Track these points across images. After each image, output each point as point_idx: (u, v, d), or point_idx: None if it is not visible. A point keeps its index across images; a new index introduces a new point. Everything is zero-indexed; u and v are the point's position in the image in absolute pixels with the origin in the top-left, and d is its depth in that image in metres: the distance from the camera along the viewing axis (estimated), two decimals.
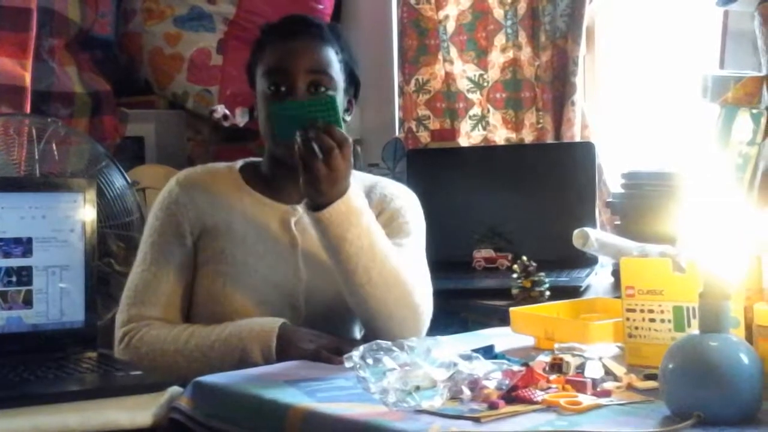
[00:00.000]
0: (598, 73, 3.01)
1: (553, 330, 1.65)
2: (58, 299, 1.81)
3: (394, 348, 1.36)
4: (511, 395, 1.32)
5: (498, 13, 3.06)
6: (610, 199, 2.60)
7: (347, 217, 1.67)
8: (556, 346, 1.51)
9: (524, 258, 2.23)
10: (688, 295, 1.46)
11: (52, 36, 2.93)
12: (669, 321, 1.50)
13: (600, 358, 1.44)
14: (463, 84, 3.13)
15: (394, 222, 1.89)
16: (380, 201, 1.91)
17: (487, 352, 1.53)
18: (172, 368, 1.72)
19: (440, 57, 3.17)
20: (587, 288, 2.33)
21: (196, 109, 3.22)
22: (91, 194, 1.86)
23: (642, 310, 1.52)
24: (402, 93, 3.25)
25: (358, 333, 1.90)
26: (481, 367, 1.35)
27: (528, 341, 1.70)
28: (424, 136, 3.20)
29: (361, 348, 1.36)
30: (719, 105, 2.31)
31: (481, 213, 2.73)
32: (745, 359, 1.22)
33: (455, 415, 1.27)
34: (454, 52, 3.14)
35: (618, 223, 2.53)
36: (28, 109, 2.60)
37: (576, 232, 2.24)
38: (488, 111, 3.10)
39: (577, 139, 2.86)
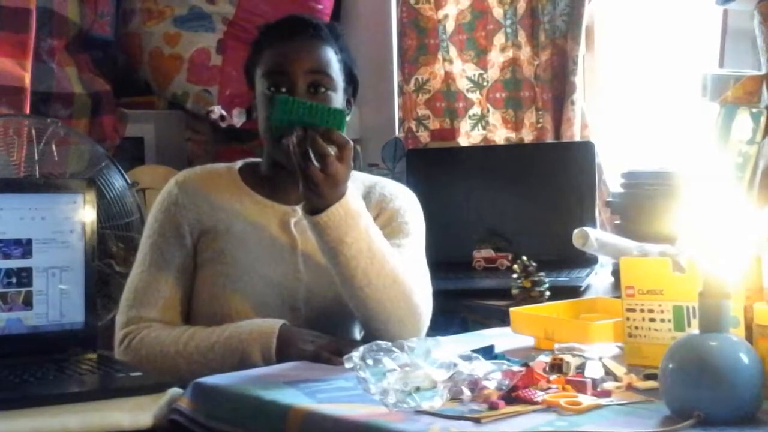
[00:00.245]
0: (598, 73, 3.01)
1: (553, 330, 1.65)
2: (58, 300, 1.81)
3: (394, 349, 1.36)
4: (511, 396, 1.31)
5: (497, 12, 3.06)
6: (609, 199, 2.60)
7: (345, 220, 1.67)
8: (556, 346, 1.51)
9: (524, 258, 2.23)
10: (688, 295, 1.46)
11: (51, 36, 2.93)
12: (669, 321, 1.50)
13: (600, 358, 1.44)
14: (462, 83, 3.14)
15: (393, 222, 1.89)
16: (380, 201, 1.91)
17: (487, 352, 1.53)
18: (173, 370, 1.72)
19: (440, 56, 3.17)
20: (587, 288, 2.33)
21: (195, 109, 3.22)
22: (91, 195, 1.86)
23: (642, 310, 1.52)
24: (401, 93, 3.25)
25: (357, 334, 1.90)
26: (481, 367, 1.35)
27: (528, 341, 1.70)
28: (424, 136, 3.20)
29: (361, 349, 1.36)
30: (719, 104, 2.31)
31: (481, 213, 2.73)
32: (745, 359, 1.22)
33: (455, 415, 1.27)
34: (453, 51, 3.14)
35: (618, 222, 2.53)
36: (27, 109, 2.60)
37: (576, 231, 2.24)
38: (488, 110, 3.10)
39: (577, 138, 2.86)
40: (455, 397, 1.32)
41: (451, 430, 1.21)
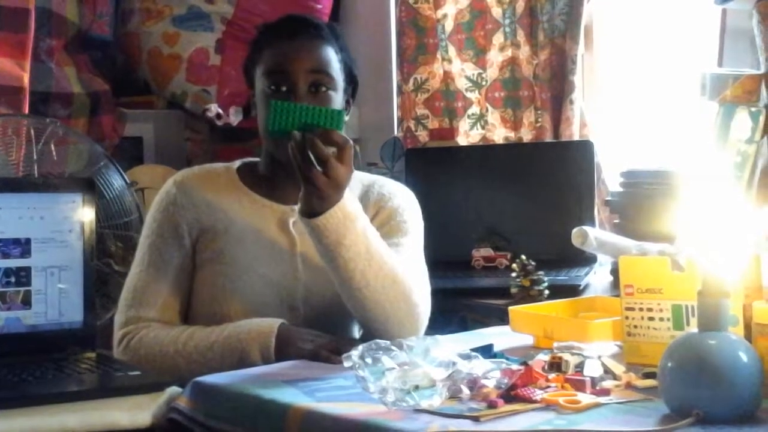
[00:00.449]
0: (597, 72, 3.01)
1: (552, 329, 1.65)
2: (56, 300, 1.80)
3: (393, 347, 1.36)
4: (510, 394, 1.31)
5: (496, 11, 3.06)
6: (608, 198, 2.61)
7: (343, 222, 1.66)
8: (555, 344, 1.51)
9: (523, 257, 2.23)
10: (687, 294, 1.46)
11: (50, 36, 2.93)
12: (668, 319, 1.50)
13: (599, 357, 1.44)
14: (461, 83, 3.14)
15: (392, 221, 1.89)
16: (378, 200, 1.91)
17: (486, 351, 1.53)
18: (172, 370, 1.72)
19: (439, 56, 3.17)
20: (586, 287, 2.33)
21: (194, 109, 3.22)
22: (90, 194, 1.86)
23: (641, 309, 1.52)
24: (400, 92, 3.25)
25: (356, 333, 1.90)
26: (480, 366, 1.35)
27: (527, 340, 1.70)
28: (423, 135, 3.20)
29: (360, 347, 1.36)
30: (718, 103, 2.31)
31: (480, 212, 2.73)
32: (744, 357, 1.22)
33: (454, 414, 1.27)
34: (452, 51, 3.14)
35: (617, 221, 2.53)
36: (26, 109, 2.60)
37: (575, 230, 2.24)
38: (487, 110, 3.10)
39: (576, 137, 2.86)
40: (454, 395, 1.32)
41: (450, 429, 1.21)
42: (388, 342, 1.37)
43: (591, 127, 2.90)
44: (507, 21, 3.04)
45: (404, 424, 1.24)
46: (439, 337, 1.42)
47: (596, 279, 2.44)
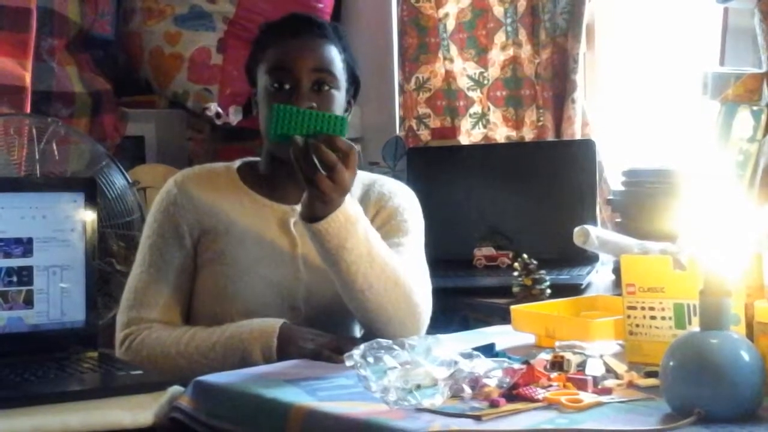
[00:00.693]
0: (599, 71, 3.01)
1: (554, 328, 1.64)
2: (58, 299, 1.81)
3: (395, 346, 1.36)
4: (512, 393, 1.31)
5: (498, 10, 3.06)
6: (610, 197, 2.61)
7: (345, 226, 1.66)
8: (557, 343, 1.51)
9: (525, 256, 2.23)
10: (688, 293, 1.46)
11: (52, 36, 2.93)
12: (670, 318, 1.50)
13: (601, 356, 1.44)
14: (463, 82, 3.14)
15: (392, 220, 1.89)
16: (378, 199, 1.91)
17: (488, 350, 1.53)
18: (174, 370, 1.71)
19: (440, 55, 3.17)
20: (588, 286, 2.33)
21: (196, 108, 3.22)
22: (92, 194, 1.86)
23: (643, 308, 1.52)
24: (402, 91, 3.25)
25: (357, 332, 1.90)
26: (481, 365, 1.35)
27: (529, 339, 1.70)
28: (425, 135, 3.20)
29: (362, 346, 1.36)
30: (719, 102, 2.31)
31: (482, 211, 2.73)
32: (745, 356, 1.22)
33: (456, 413, 1.27)
34: (454, 50, 3.14)
35: (618, 220, 2.53)
36: (28, 109, 2.60)
37: (577, 229, 2.24)
38: (488, 109, 3.10)
39: (578, 136, 2.86)
40: (456, 394, 1.32)
41: (452, 428, 1.21)
42: (390, 341, 1.37)
43: (593, 126, 2.89)
44: (509, 20, 3.04)
45: (406, 423, 1.24)
46: (440, 336, 1.42)
47: (598, 278, 2.44)
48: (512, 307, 1.76)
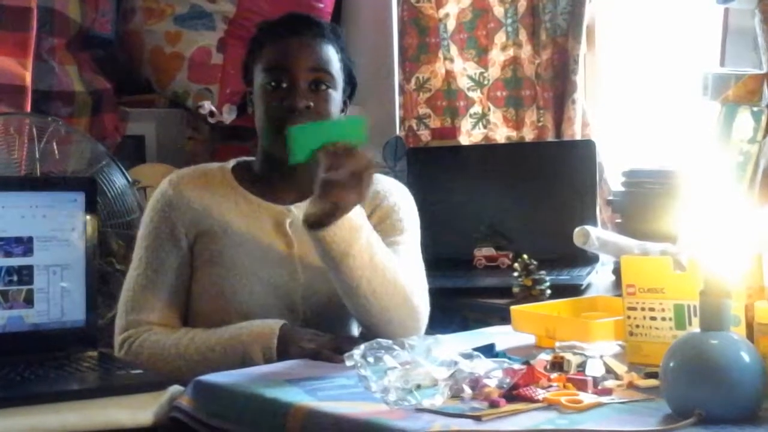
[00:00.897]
0: (599, 71, 3.01)
1: (554, 328, 1.64)
2: (59, 298, 1.81)
3: (395, 346, 1.36)
4: (512, 394, 1.31)
5: (498, 11, 3.06)
6: (610, 197, 2.61)
7: (350, 233, 1.66)
8: (557, 344, 1.51)
9: (525, 256, 2.23)
10: (689, 293, 1.46)
11: (52, 35, 2.93)
12: (670, 319, 1.50)
13: (601, 357, 1.44)
14: (463, 82, 3.13)
15: (388, 219, 1.88)
16: (373, 198, 1.90)
17: (488, 350, 1.53)
18: (174, 373, 1.71)
19: (441, 55, 3.17)
20: (588, 286, 2.34)
21: (196, 108, 3.22)
22: (92, 193, 1.86)
23: (643, 309, 1.52)
24: (402, 91, 3.25)
25: (356, 331, 1.90)
26: (481, 365, 1.35)
27: (529, 339, 1.70)
28: (425, 135, 3.20)
29: (362, 347, 1.36)
30: (720, 103, 2.31)
31: (482, 211, 2.73)
32: (746, 357, 1.22)
33: (456, 413, 1.27)
34: (454, 50, 3.14)
35: (619, 221, 2.53)
36: (28, 108, 2.60)
37: (577, 230, 2.24)
38: (489, 109, 3.10)
39: (578, 137, 2.86)
40: (456, 395, 1.32)
41: (452, 428, 1.21)
42: (390, 341, 1.37)
43: (593, 126, 2.89)
44: (509, 20, 3.04)
45: (406, 423, 1.24)
46: (440, 336, 1.42)
47: (598, 278, 2.44)
48: (512, 307, 1.76)
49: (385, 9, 3.39)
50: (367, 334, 1.77)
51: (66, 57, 2.99)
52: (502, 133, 3.08)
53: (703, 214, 1.54)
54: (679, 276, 1.49)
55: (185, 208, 1.86)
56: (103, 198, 2.44)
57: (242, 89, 2.97)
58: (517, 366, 1.38)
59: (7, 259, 1.77)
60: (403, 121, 3.25)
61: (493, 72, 3.09)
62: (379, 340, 1.37)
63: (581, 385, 1.35)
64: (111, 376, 1.67)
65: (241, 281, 1.82)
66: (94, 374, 1.68)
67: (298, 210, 1.85)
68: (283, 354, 1.67)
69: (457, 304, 2.34)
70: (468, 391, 1.32)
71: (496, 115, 3.09)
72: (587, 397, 1.31)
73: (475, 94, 3.12)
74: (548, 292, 2.18)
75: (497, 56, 3.08)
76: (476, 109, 3.12)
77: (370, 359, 1.34)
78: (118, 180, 2.53)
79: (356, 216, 1.68)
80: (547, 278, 2.20)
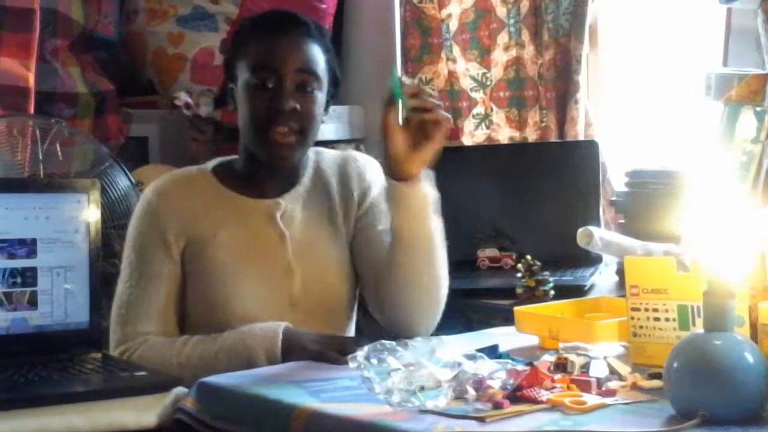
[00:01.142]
0: (602, 71, 3.01)
1: (558, 329, 1.64)
2: (62, 300, 1.81)
3: (399, 348, 1.36)
4: (516, 395, 1.31)
5: (501, 11, 3.06)
6: (614, 198, 2.60)
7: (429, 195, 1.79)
8: (561, 345, 1.51)
9: (528, 257, 2.23)
10: (692, 294, 1.46)
11: (55, 36, 2.93)
12: (673, 320, 1.50)
13: (605, 358, 1.44)
14: (466, 83, 3.13)
15: (381, 204, 1.90)
16: (359, 179, 1.93)
17: (492, 351, 1.53)
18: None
19: (443, 56, 3.17)
20: (591, 287, 2.33)
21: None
22: (95, 195, 1.86)
23: (646, 309, 1.52)
24: None
25: (353, 318, 1.92)
26: (485, 366, 1.35)
27: (532, 341, 1.70)
28: None
29: (366, 348, 1.36)
30: (723, 103, 2.31)
31: (485, 212, 2.73)
32: (749, 358, 1.22)
33: (460, 414, 1.27)
34: (457, 50, 3.14)
35: (622, 221, 2.53)
36: (31, 109, 2.60)
37: (580, 231, 2.24)
38: (491, 110, 3.10)
39: (581, 137, 2.86)
40: (460, 396, 1.32)
41: (456, 430, 1.21)
42: (394, 343, 1.37)
43: (596, 126, 2.89)
44: (511, 21, 3.03)
45: (409, 424, 1.24)
46: (444, 337, 1.43)
47: (601, 279, 2.44)
48: (516, 308, 1.76)
49: (387, 9, 3.38)
50: (387, 323, 1.83)
51: (69, 58, 2.99)
52: (504, 134, 3.08)
53: (706, 214, 1.54)
54: (682, 277, 1.49)
55: (173, 216, 1.83)
56: (107, 199, 2.44)
57: None
58: (520, 367, 1.38)
59: (10, 261, 1.77)
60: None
61: (496, 72, 3.09)
62: (383, 341, 1.37)
63: (585, 386, 1.35)
64: (115, 377, 1.67)
65: (239, 282, 1.81)
66: (98, 376, 1.68)
67: (286, 201, 1.87)
68: (287, 356, 1.67)
69: (461, 305, 2.34)
70: (471, 392, 1.32)
71: (498, 116, 3.09)
72: (591, 398, 1.31)
73: (477, 95, 3.12)
74: (552, 293, 2.18)
75: (500, 57, 3.08)
76: (479, 109, 3.12)
77: (374, 361, 1.34)
78: (121, 181, 2.53)
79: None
80: (551, 279, 2.20)
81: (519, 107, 3.05)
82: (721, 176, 2.22)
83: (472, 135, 3.13)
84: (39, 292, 1.79)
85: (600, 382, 1.37)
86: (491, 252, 2.62)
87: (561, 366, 1.43)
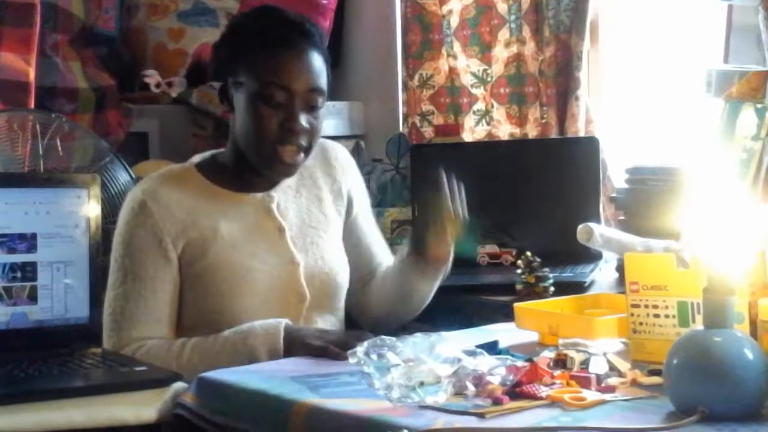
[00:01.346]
0: (602, 68, 3.01)
1: (558, 325, 1.65)
2: (62, 295, 1.81)
3: (398, 344, 1.36)
4: (516, 391, 1.32)
5: (502, 7, 3.05)
6: (614, 195, 2.60)
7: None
8: (561, 341, 1.51)
9: (528, 253, 2.23)
10: (692, 291, 1.46)
11: (56, 31, 2.93)
12: (673, 316, 1.50)
13: (604, 354, 1.44)
14: (466, 79, 3.13)
15: (366, 204, 2.03)
16: (341, 168, 2.00)
17: (492, 347, 1.53)
18: None
19: (444, 52, 3.16)
20: (591, 283, 2.33)
21: (200, 104, 3.22)
22: (96, 190, 1.86)
23: (646, 306, 1.52)
24: (406, 88, 3.24)
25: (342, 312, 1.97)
26: (485, 362, 1.35)
27: (532, 337, 1.70)
28: (428, 132, 3.19)
29: (366, 344, 1.36)
30: (723, 100, 2.30)
31: (485, 208, 2.72)
32: (749, 354, 1.22)
33: (459, 410, 1.27)
34: (457, 47, 3.14)
35: (622, 218, 2.53)
36: (32, 104, 2.60)
37: (580, 227, 2.23)
38: (492, 106, 3.10)
39: (581, 134, 2.86)
40: (459, 392, 1.32)
41: (455, 425, 1.22)
42: (394, 338, 1.37)
43: (596, 123, 2.89)
44: (512, 17, 3.03)
45: (409, 420, 1.24)
46: (444, 333, 1.43)
47: (601, 276, 2.44)
48: (515, 304, 1.76)
49: (388, 5, 3.38)
50: (352, 310, 1.95)
51: (70, 53, 2.99)
52: (505, 130, 3.08)
53: (706, 211, 1.54)
54: (682, 273, 1.49)
55: (167, 217, 1.81)
56: (107, 194, 2.43)
57: None
58: (520, 363, 1.38)
59: (10, 256, 1.77)
60: (406, 117, 3.25)
61: (497, 69, 3.09)
62: (383, 337, 1.37)
63: (584, 383, 1.35)
64: (115, 372, 1.67)
65: (246, 278, 1.81)
66: (98, 371, 1.68)
67: (277, 193, 1.88)
68: (289, 353, 1.68)
69: (461, 301, 2.34)
70: (471, 388, 1.32)
71: (499, 112, 3.09)
72: (591, 395, 1.31)
73: (478, 91, 3.12)
74: (551, 289, 2.18)
75: (500, 53, 3.07)
76: (479, 105, 3.12)
77: (374, 356, 1.34)
78: (121, 177, 2.53)
79: None
80: (551, 275, 2.19)
81: (519, 103, 3.05)
82: (722, 173, 2.22)
83: (472, 131, 3.12)
84: (39, 286, 1.79)
85: (600, 379, 1.37)
86: (491, 248, 2.62)
87: (561, 362, 1.43)
